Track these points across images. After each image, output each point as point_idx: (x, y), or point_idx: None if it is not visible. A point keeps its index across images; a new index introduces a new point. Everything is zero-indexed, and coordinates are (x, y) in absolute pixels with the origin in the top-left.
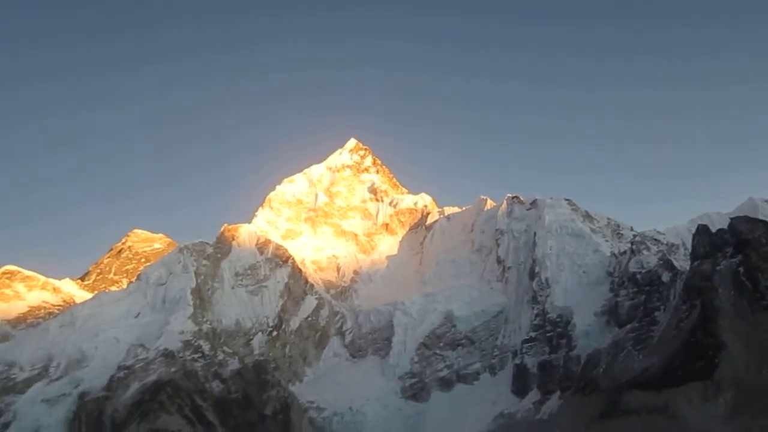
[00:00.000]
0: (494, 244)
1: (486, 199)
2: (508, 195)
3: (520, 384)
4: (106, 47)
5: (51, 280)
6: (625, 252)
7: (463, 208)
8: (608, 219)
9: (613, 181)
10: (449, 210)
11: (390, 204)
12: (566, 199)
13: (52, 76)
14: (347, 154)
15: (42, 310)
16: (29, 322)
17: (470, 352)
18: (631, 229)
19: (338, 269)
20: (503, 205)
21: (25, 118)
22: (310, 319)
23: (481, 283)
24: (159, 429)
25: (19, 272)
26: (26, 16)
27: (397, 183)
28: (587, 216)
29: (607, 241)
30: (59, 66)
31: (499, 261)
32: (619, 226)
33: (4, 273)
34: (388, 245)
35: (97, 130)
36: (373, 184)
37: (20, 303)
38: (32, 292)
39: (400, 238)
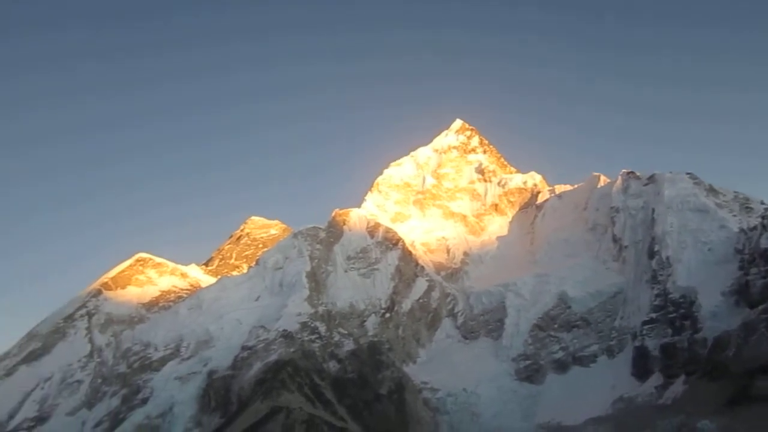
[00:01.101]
0: (609, 222)
1: (599, 176)
2: (623, 170)
3: (641, 367)
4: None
5: (179, 266)
6: (755, 227)
7: (575, 186)
8: (735, 193)
9: (738, 155)
10: (560, 188)
11: (498, 184)
12: (687, 173)
13: (187, 77)
14: (453, 135)
15: (172, 294)
16: (161, 305)
17: (586, 333)
18: (762, 203)
19: (448, 251)
20: (618, 182)
21: (159, 117)
22: (421, 300)
23: (596, 263)
24: (281, 406)
25: (151, 259)
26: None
27: (505, 162)
28: (711, 190)
29: (734, 216)
30: (212, 66)
31: (615, 240)
32: (748, 199)
33: (137, 260)
34: (497, 226)
35: (216, 129)
36: (481, 164)
37: (152, 288)
38: (163, 277)
39: (509, 219)
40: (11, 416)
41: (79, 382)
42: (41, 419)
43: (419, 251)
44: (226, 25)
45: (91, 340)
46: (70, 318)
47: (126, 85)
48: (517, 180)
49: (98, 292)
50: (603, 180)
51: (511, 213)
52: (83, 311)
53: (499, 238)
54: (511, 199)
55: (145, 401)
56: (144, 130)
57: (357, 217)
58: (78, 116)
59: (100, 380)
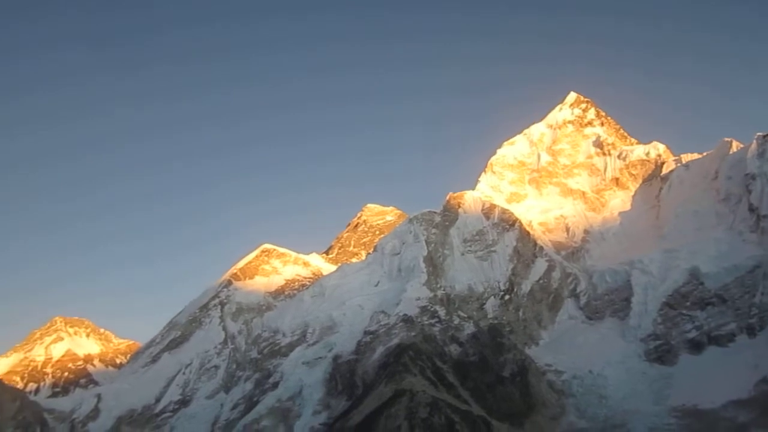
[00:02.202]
0: (744, 190)
1: (731, 141)
2: (758, 134)
3: None
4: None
5: (301, 256)
6: None
7: (704, 154)
8: None
9: None
10: (687, 157)
11: (619, 157)
12: None
13: (299, 72)
14: (568, 109)
15: (296, 283)
16: (286, 293)
17: (722, 311)
18: None
19: (567, 229)
20: (753, 146)
21: (279, 110)
22: (541, 281)
23: (730, 236)
24: (405, 389)
25: (275, 250)
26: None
27: (625, 134)
28: None
29: None
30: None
31: (751, 209)
32: None
33: (262, 251)
34: (619, 201)
35: (331, 122)
36: (599, 137)
37: (278, 277)
38: (286, 266)
39: (632, 193)
40: (158, 399)
41: (216, 367)
42: (184, 402)
43: (537, 231)
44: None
45: (224, 328)
46: (204, 308)
47: (244, 79)
48: (638, 151)
49: (228, 283)
50: (735, 145)
51: (633, 187)
52: (216, 301)
53: (621, 213)
54: (633, 172)
55: (276, 385)
56: (267, 122)
57: (472, 199)
58: (201, 107)
59: (234, 365)
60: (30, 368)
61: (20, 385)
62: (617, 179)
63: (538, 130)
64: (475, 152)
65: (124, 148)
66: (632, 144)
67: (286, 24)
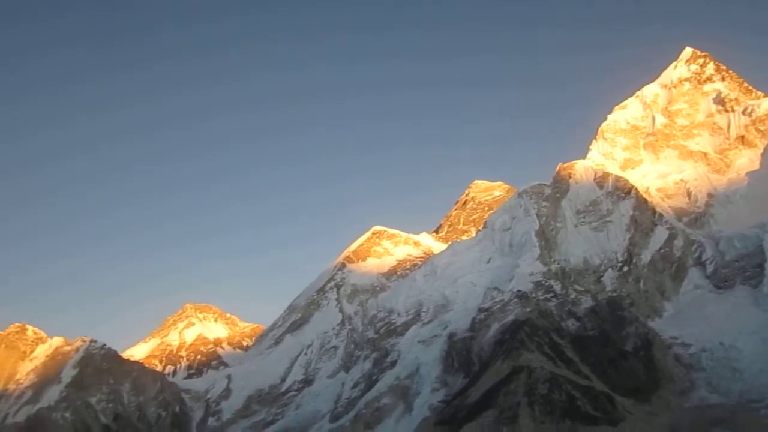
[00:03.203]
0: None
1: None
2: None
3: None
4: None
5: (411, 236)
6: None
7: None
8: None
9: None
10: None
11: (743, 113)
12: None
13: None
14: (683, 66)
15: (407, 263)
16: (399, 273)
17: None
18: None
19: (689, 194)
20: None
21: (385, 89)
22: (662, 251)
23: None
24: (522, 365)
25: (385, 231)
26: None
27: (749, 87)
28: None
29: None
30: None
31: None
32: None
33: (373, 233)
34: (746, 160)
35: (438, 104)
36: (719, 93)
37: (389, 258)
38: (397, 247)
39: (760, 150)
40: (283, 379)
41: (335, 347)
42: (307, 381)
43: (655, 198)
44: None
45: (341, 310)
46: (321, 290)
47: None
48: (766, 105)
49: (342, 266)
50: None
51: (761, 144)
52: (332, 284)
53: (749, 173)
54: (761, 128)
55: (393, 364)
56: (372, 103)
57: (583, 168)
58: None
59: (352, 345)
60: (167, 352)
61: (159, 368)
62: (743, 137)
63: (651, 91)
64: (584, 120)
65: (258, 143)
66: (758, 98)
67: None
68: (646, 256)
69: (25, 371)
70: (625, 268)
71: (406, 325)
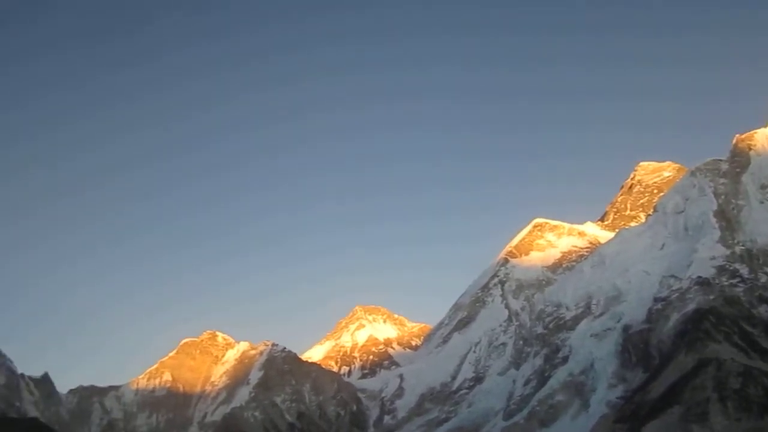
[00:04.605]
0: None
1: None
2: None
3: None
4: None
5: (575, 226)
6: None
7: None
8: None
9: None
10: None
11: None
12: None
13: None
14: None
15: (573, 254)
16: (564, 266)
17: None
18: None
19: None
20: None
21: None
22: None
23: None
24: (710, 358)
25: (547, 223)
26: None
27: None
28: None
29: None
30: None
31: None
32: None
33: (534, 226)
34: None
35: (595, 89)
36: None
37: (553, 250)
38: (561, 239)
39: None
40: (453, 377)
41: (504, 344)
42: (478, 379)
43: None
44: None
45: (507, 306)
46: (485, 287)
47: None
48: None
49: (505, 261)
50: None
51: None
52: (495, 280)
53: None
54: None
55: (565, 359)
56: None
57: (765, 137)
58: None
59: (521, 342)
60: (341, 353)
61: (335, 369)
62: None
63: None
64: (759, 86)
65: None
66: None
67: None
68: None
69: (218, 374)
70: None
71: (576, 319)
